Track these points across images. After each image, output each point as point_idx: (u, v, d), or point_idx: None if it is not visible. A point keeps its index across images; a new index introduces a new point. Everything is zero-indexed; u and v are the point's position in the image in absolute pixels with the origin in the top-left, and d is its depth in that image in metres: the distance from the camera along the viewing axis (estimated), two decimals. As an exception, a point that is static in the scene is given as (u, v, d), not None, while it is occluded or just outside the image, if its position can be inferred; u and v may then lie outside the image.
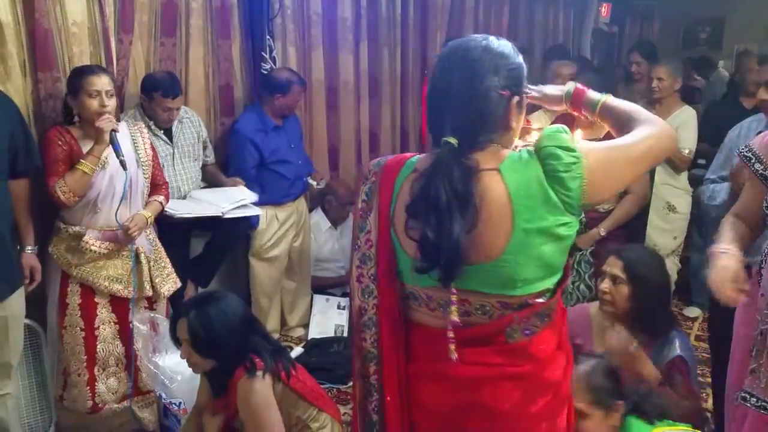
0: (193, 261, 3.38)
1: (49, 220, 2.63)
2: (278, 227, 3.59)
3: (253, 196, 3.25)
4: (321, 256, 4.13)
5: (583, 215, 2.86)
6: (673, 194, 3.77)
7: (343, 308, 3.84)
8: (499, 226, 1.26)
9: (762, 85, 2.35)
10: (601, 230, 2.86)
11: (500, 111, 1.30)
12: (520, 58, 1.35)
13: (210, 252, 3.35)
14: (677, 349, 2.30)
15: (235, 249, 3.50)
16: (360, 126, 4.42)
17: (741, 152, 1.96)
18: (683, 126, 3.65)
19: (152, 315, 2.58)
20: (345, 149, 4.34)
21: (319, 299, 3.88)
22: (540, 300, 1.34)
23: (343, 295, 4.03)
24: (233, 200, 3.17)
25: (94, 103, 2.47)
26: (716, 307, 2.58)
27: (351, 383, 3.13)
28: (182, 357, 2.17)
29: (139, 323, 2.56)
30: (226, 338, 2.08)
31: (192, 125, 3.25)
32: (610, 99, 1.46)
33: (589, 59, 5.88)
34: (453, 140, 1.27)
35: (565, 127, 1.31)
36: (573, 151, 1.26)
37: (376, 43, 4.42)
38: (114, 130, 2.49)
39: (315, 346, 3.54)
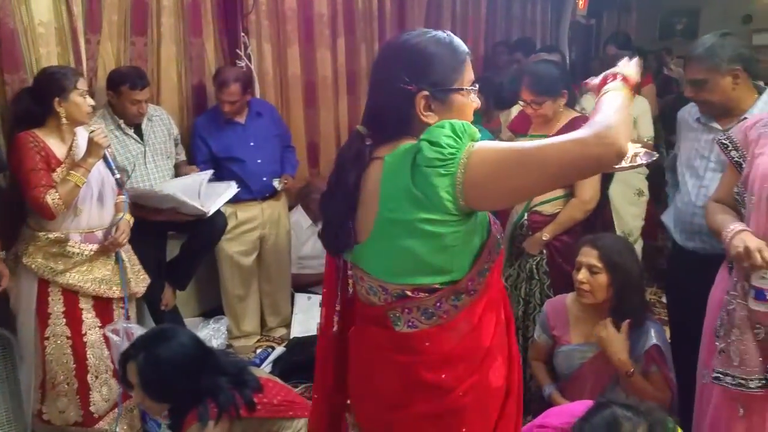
0: (170, 263, 3.33)
1: (13, 225, 2.56)
2: (236, 224, 3.50)
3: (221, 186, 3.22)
4: (302, 254, 4.10)
5: (525, 217, 2.82)
6: (640, 180, 3.94)
7: (325, 306, 3.79)
8: (369, 210, 1.32)
9: (688, 84, 2.41)
10: (545, 235, 2.77)
11: (405, 105, 1.30)
12: (448, 53, 1.32)
13: (187, 253, 3.30)
14: (653, 338, 2.32)
15: (212, 250, 3.45)
16: (339, 121, 4.40)
17: (720, 140, 2.02)
18: (641, 116, 3.84)
19: (126, 325, 2.53)
20: (325, 145, 4.32)
21: (301, 298, 3.85)
22: (421, 294, 1.33)
23: (326, 292, 4.00)
24: (212, 194, 3.14)
25: (85, 104, 2.46)
26: (674, 288, 2.71)
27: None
28: (135, 401, 2.08)
29: (112, 334, 2.51)
30: (177, 381, 1.99)
31: (162, 123, 3.20)
32: (606, 94, 1.30)
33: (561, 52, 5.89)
34: (362, 129, 1.35)
35: (452, 122, 1.26)
36: (444, 147, 1.21)
37: (354, 38, 4.40)
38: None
39: (297, 345, 3.50)
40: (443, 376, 1.36)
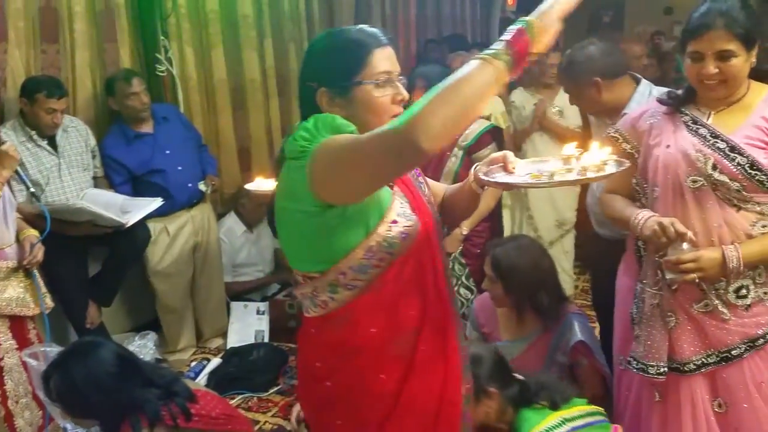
0: (93, 279, 3.21)
1: None
2: (170, 240, 3.39)
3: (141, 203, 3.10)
4: (238, 261, 4.00)
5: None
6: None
7: (263, 313, 3.73)
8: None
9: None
10: (463, 229, 2.79)
11: (311, 101, 1.35)
12: (345, 48, 1.34)
13: (109, 268, 3.18)
14: (577, 333, 2.34)
15: (135, 264, 3.32)
16: (271, 124, 4.32)
17: (609, 133, 2.03)
18: (568, 105, 3.77)
19: (44, 349, 2.41)
20: (256, 149, 4.23)
21: (237, 306, 3.75)
22: (307, 281, 1.39)
23: (263, 299, 3.93)
24: (134, 207, 3.03)
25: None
26: (599, 272, 2.74)
27: (272, 390, 3.13)
28: (62, 418, 2.02)
29: (30, 358, 2.38)
30: (96, 397, 1.91)
31: (79, 134, 3.08)
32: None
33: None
34: (296, 125, 1.37)
35: (319, 116, 1.29)
36: (299, 140, 1.27)
37: (282, 39, 4.34)
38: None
39: (234, 355, 3.41)
40: (318, 364, 1.43)
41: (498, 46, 1.12)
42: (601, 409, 2.04)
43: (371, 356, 1.38)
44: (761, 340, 1.77)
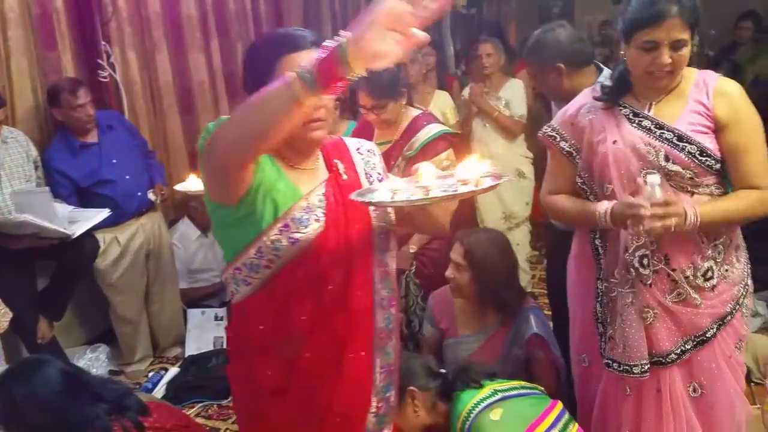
0: (42, 293, 3.12)
1: None
2: (121, 250, 3.31)
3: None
4: (193, 267, 3.94)
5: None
6: (519, 161, 3.96)
7: (221, 318, 3.68)
8: None
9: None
10: (411, 247, 2.65)
11: None
12: (258, 55, 1.37)
13: (58, 281, 3.09)
14: (533, 326, 2.36)
15: (85, 275, 3.24)
16: (222, 126, 4.24)
17: (545, 132, 1.97)
18: (514, 95, 3.96)
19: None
20: (208, 153, 4.15)
21: (194, 313, 3.69)
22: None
23: (221, 305, 3.87)
24: (81, 218, 2.95)
25: None
26: (553, 262, 2.75)
27: (231, 398, 3.09)
28: None
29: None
30: (41, 418, 1.86)
31: (19, 145, 2.98)
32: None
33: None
34: None
35: (224, 117, 1.31)
36: (201, 140, 1.30)
37: (228, 39, 4.28)
38: None
39: (192, 364, 3.36)
40: (228, 347, 1.56)
41: (307, 64, 1.08)
42: (539, 387, 2.10)
43: (259, 352, 1.43)
44: (729, 317, 1.81)
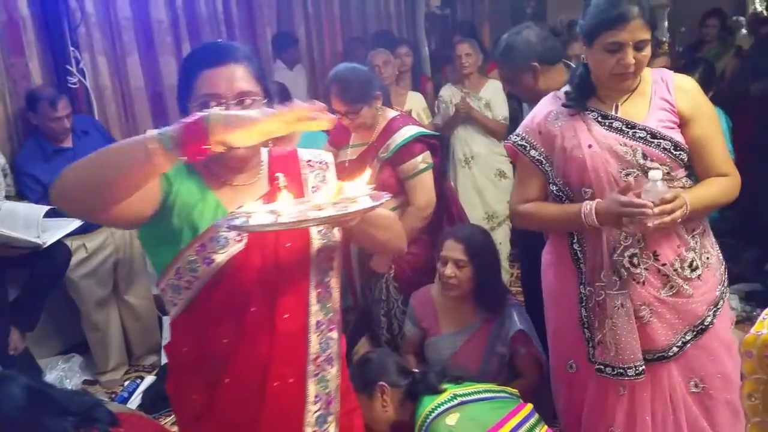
0: (13, 303, 3.06)
1: None
2: (87, 257, 3.26)
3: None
4: (168, 274, 3.89)
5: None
6: (499, 161, 3.97)
7: (197, 326, 3.63)
8: None
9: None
10: None
11: None
12: (181, 70, 1.36)
13: (29, 291, 3.04)
14: (516, 323, 2.39)
15: (58, 284, 3.19)
16: (196, 131, 4.21)
17: (514, 142, 1.94)
18: (494, 97, 3.95)
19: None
20: (181, 158, 4.12)
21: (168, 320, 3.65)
22: None
23: (197, 311, 3.82)
24: (52, 226, 2.90)
25: None
26: (528, 260, 2.79)
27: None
28: None
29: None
30: None
31: (-14, 154, 2.93)
32: None
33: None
34: None
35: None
36: None
37: (200, 43, 4.22)
38: None
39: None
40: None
41: (173, 126, 1.09)
42: (510, 389, 2.12)
43: (185, 373, 1.39)
44: (721, 301, 1.83)
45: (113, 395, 3.20)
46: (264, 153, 1.45)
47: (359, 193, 1.18)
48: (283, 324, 1.34)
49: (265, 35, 4.73)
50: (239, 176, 1.37)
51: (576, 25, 5.02)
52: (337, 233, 1.42)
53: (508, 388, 2.13)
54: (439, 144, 2.69)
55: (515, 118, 3.84)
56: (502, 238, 4.00)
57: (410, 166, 2.53)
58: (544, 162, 1.89)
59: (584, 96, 1.83)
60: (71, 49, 3.40)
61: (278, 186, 1.31)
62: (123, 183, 1.13)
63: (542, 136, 1.89)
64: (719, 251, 1.90)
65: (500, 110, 3.96)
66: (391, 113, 2.66)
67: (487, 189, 3.98)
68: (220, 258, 1.30)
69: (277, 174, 1.36)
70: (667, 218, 1.61)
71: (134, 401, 3.12)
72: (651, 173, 1.65)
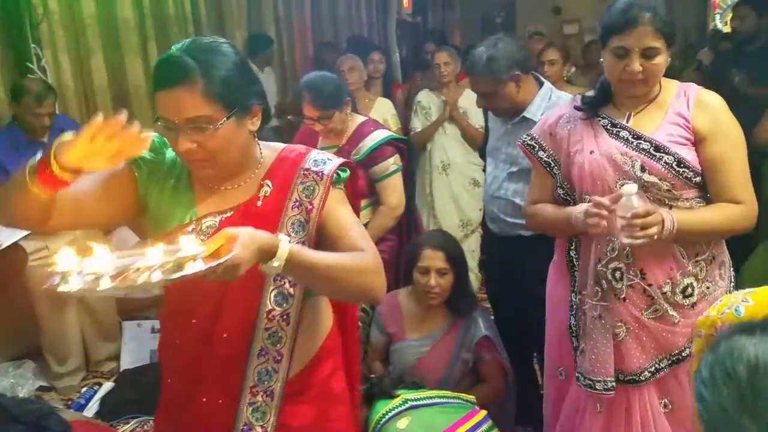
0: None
1: None
2: (49, 254, 3.18)
3: None
4: (131, 277, 3.81)
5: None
6: (474, 170, 4.03)
7: (158, 331, 3.55)
8: None
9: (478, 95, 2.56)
10: None
11: None
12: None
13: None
14: (482, 329, 2.40)
15: (13, 287, 3.09)
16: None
17: (524, 141, 1.94)
18: (472, 105, 3.91)
19: None
20: (146, 159, 4.04)
21: (130, 326, 3.56)
22: None
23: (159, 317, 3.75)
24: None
25: None
26: (491, 266, 2.82)
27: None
28: None
29: None
30: None
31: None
32: None
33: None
34: None
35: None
36: None
37: (167, 43, 4.14)
38: None
39: (128, 378, 3.24)
40: None
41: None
42: (465, 396, 2.14)
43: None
44: None
45: (69, 402, 3.11)
46: (271, 152, 1.39)
47: (192, 253, 1.05)
48: (220, 343, 1.31)
49: (234, 36, 4.68)
50: (223, 181, 1.33)
51: (540, 34, 5.06)
52: None
53: (463, 395, 2.14)
54: (406, 148, 2.78)
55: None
56: (474, 245, 4.05)
57: (382, 168, 2.65)
58: (552, 165, 1.87)
59: (600, 102, 1.80)
60: (32, 46, 3.32)
61: (258, 196, 1.31)
62: (18, 209, 1.16)
63: (552, 139, 1.87)
64: (732, 286, 1.80)
65: (477, 119, 3.99)
66: (360, 118, 2.74)
67: (462, 197, 4.03)
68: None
69: (265, 180, 1.34)
70: (638, 233, 1.56)
71: (91, 408, 3.04)
72: (624, 187, 1.60)
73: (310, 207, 1.32)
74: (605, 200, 1.61)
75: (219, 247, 1.06)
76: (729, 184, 1.69)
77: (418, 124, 4.13)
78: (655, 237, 1.57)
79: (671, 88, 1.76)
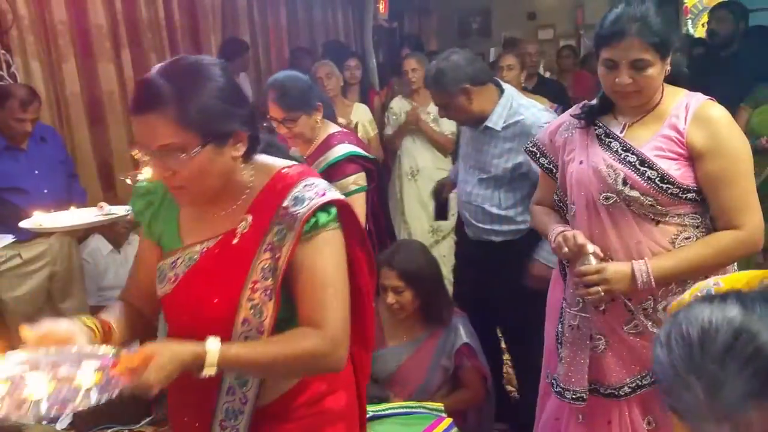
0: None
1: None
2: (20, 264, 3.13)
3: None
4: (104, 284, 3.76)
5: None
6: (442, 175, 3.97)
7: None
8: None
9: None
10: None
11: None
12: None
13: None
14: (462, 336, 2.42)
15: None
16: (133, 138, 4.09)
17: (527, 149, 1.97)
18: None
19: None
20: (119, 164, 3.96)
21: (104, 334, 3.52)
22: None
23: (133, 324, 3.71)
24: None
25: None
26: (463, 270, 2.83)
27: (143, 422, 2.97)
28: None
29: None
30: None
31: None
32: None
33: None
34: None
35: None
36: None
37: (141, 48, 4.13)
38: None
39: (102, 387, 3.20)
40: None
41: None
42: (431, 404, 2.17)
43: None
44: None
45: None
46: (264, 176, 1.29)
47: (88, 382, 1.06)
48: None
49: (209, 41, 4.65)
50: (210, 208, 1.29)
51: (512, 43, 5.09)
52: (270, 308, 1.24)
53: (429, 403, 2.16)
54: (375, 168, 2.63)
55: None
56: (446, 251, 4.02)
57: (340, 186, 2.43)
58: (553, 170, 1.89)
59: (600, 110, 1.77)
60: (2, 52, 3.27)
61: (236, 231, 1.25)
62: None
63: (551, 145, 1.89)
64: None
65: (447, 125, 4.00)
66: (333, 128, 2.59)
67: (431, 203, 3.99)
68: (159, 291, 1.35)
69: (246, 215, 1.26)
70: (581, 291, 1.63)
71: (64, 421, 2.99)
72: (589, 245, 1.64)
73: (278, 255, 1.21)
74: (571, 238, 1.65)
75: (137, 364, 1.06)
76: (727, 206, 1.61)
77: (390, 131, 4.15)
78: (603, 295, 1.61)
79: (675, 98, 1.69)
